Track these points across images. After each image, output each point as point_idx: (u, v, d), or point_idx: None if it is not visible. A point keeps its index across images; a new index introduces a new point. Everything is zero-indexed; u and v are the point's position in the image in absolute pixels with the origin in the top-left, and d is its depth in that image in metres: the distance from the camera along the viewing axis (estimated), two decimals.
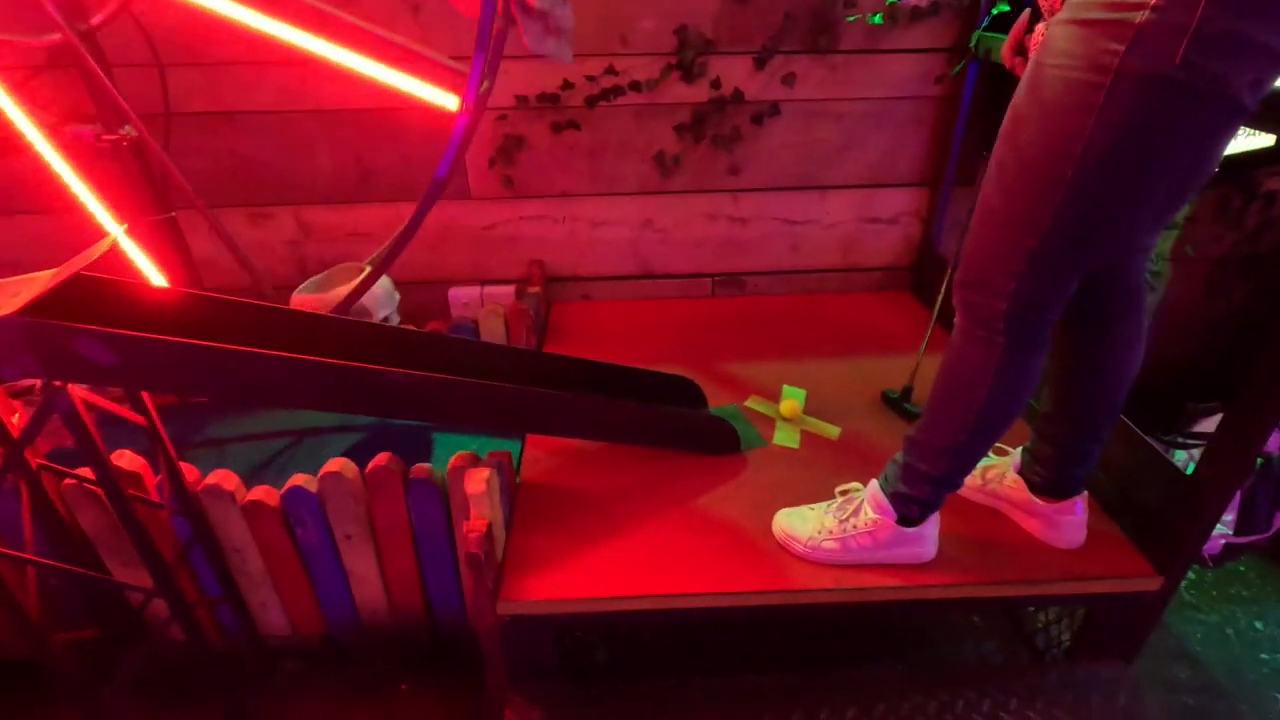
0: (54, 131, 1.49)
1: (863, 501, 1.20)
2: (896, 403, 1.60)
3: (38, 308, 0.91)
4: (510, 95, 1.82)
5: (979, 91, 1.81)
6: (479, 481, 1.15)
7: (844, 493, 1.26)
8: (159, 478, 1.29)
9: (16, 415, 1.08)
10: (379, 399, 1.15)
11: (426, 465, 1.35)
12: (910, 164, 2.01)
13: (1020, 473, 1.26)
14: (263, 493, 1.35)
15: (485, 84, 1.37)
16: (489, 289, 2.12)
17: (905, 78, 1.87)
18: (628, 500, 1.36)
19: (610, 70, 1.80)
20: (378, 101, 1.86)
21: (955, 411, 1.05)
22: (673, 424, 1.43)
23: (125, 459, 1.30)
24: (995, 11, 1.67)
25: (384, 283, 1.78)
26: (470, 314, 2.12)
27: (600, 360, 1.83)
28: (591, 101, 1.84)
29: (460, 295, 2.12)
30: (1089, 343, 1.08)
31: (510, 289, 2.11)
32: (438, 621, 1.54)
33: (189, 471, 1.33)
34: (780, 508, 1.31)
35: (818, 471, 1.43)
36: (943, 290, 1.55)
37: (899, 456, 1.15)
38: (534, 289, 2.00)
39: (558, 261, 2.11)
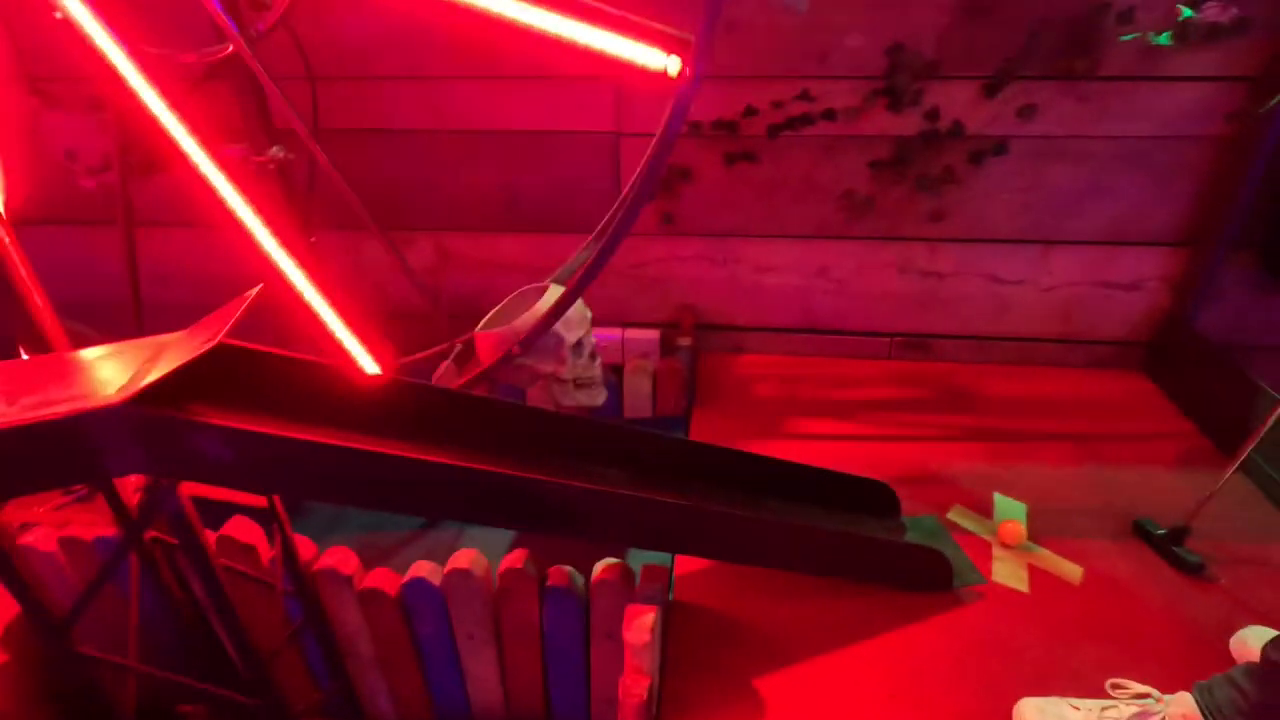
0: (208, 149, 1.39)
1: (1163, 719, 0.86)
2: (1162, 544, 1.22)
3: (151, 394, 0.74)
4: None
5: None
6: (643, 629, 0.91)
7: (1120, 689, 0.93)
8: (274, 553, 1.14)
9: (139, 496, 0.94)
10: (531, 513, 0.93)
11: (567, 570, 1.13)
12: (1167, 218, 1.60)
13: None
14: (382, 578, 1.17)
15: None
16: (631, 332, 1.89)
17: (1180, 112, 1.47)
18: (806, 644, 1.08)
19: (804, 95, 1.52)
20: (529, 123, 1.68)
21: None
22: (872, 555, 1.13)
23: (241, 528, 1.16)
24: None
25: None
26: (610, 359, 1.92)
27: (759, 435, 1.57)
28: (774, 131, 1.57)
29: (600, 337, 1.90)
30: None
31: (655, 334, 1.87)
32: None
33: (305, 548, 1.17)
34: (1015, 682, 1.00)
35: (1059, 633, 1.10)
36: (1269, 424, 1.14)
37: (1242, 679, 0.80)
38: (685, 340, 1.75)
39: (711, 307, 1.86)
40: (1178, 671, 0.98)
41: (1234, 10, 1.35)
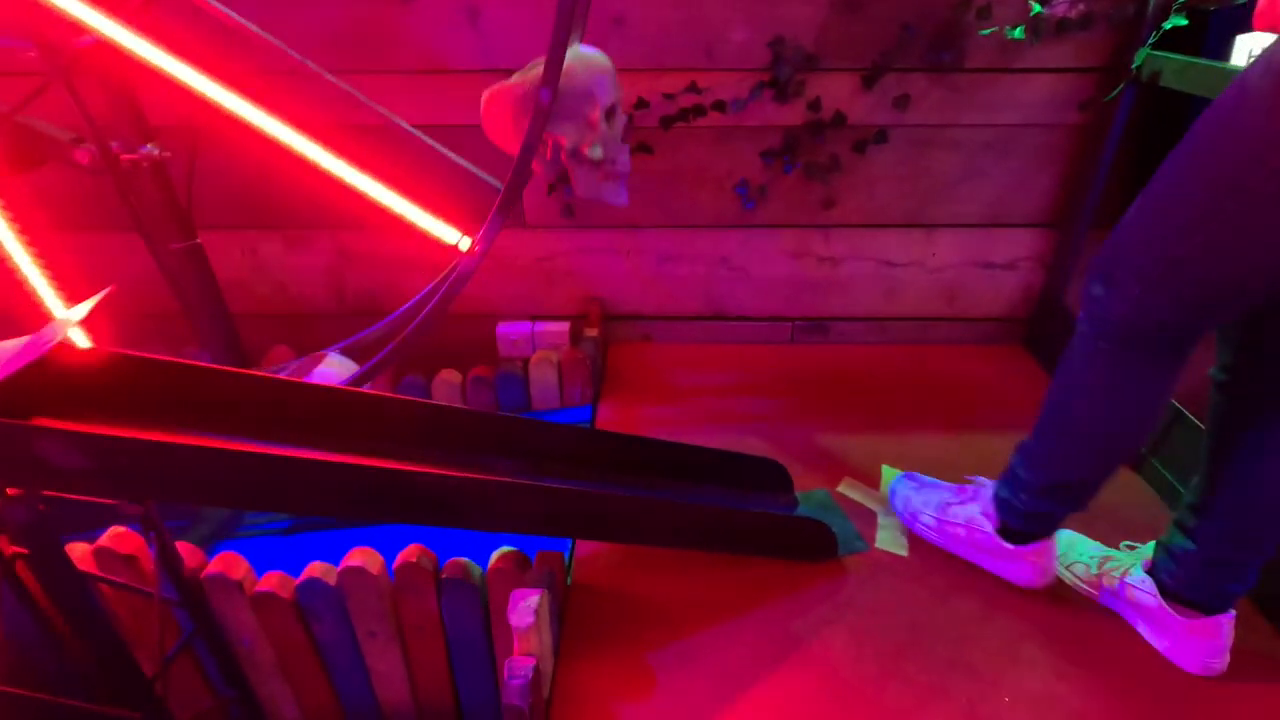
0: (68, 150, 1.33)
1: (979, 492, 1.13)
2: None
3: None
4: None
5: (1135, 121, 1.51)
6: (527, 612, 0.93)
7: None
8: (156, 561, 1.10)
9: None
10: (413, 506, 0.93)
11: (463, 562, 1.14)
12: (1036, 201, 1.72)
13: (1151, 572, 1.00)
14: (275, 583, 1.16)
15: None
16: (541, 326, 1.90)
17: (1040, 102, 1.58)
18: (701, 619, 1.12)
19: (692, 88, 1.56)
20: (430, 117, 1.66)
21: (1058, 421, 0.96)
22: (760, 529, 1.18)
23: (120, 539, 1.12)
24: (1167, 26, 1.37)
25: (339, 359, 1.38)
26: (519, 353, 1.92)
27: (663, 422, 1.61)
28: (667, 122, 1.60)
29: (509, 332, 1.91)
30: (1269, 415, 0.82)
31: (564, 326, 1.89)
32: None
33: (191, 556, 1.14)
34: (891, 638, 1.07)
35: (936, 589, 1.17)
36: None
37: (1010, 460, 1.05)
38: (592, 332, 1.78)
39: (619, 298, 1.88)
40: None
41: (1081, 6, 1.45)
